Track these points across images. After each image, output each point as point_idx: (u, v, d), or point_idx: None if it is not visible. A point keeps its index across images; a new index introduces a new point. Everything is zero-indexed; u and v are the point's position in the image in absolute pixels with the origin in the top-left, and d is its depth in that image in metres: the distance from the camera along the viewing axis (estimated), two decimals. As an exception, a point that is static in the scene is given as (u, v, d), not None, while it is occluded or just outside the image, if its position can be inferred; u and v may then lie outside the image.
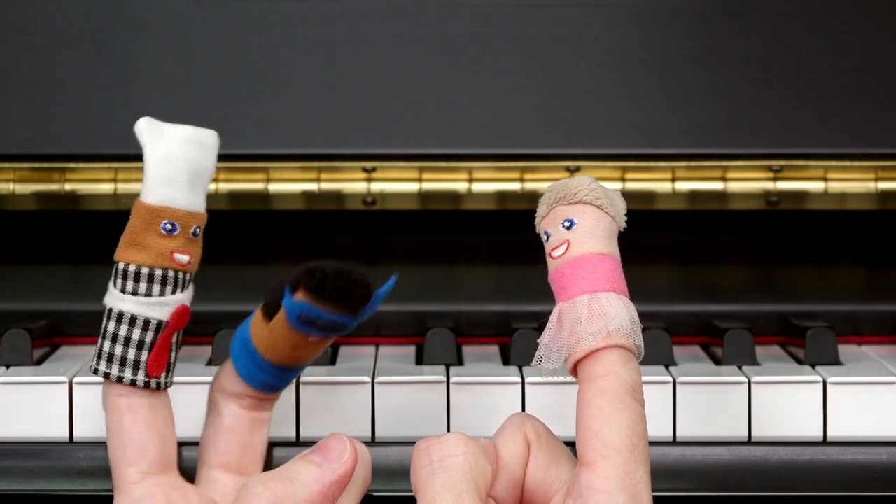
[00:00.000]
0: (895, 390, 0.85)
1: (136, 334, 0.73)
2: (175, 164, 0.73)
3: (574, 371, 0.74)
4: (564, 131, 0.97)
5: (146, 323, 0.73)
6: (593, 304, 0.73)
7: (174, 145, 0.73)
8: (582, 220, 0.75)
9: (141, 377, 0.73)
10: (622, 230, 0.76)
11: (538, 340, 0.75)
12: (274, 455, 0.81)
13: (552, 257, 0.75)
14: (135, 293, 0.73)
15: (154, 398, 0.74)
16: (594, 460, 0.70)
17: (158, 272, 0.73)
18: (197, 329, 0.83)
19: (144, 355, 0.73)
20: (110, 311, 0.74)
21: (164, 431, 0.74)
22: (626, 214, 0.76)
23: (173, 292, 0.73)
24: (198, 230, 0.74)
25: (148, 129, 0.74)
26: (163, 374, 0.74)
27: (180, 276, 0.74)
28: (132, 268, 0.73)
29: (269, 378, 0.76)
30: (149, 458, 0.74)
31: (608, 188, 0.76)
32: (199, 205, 0.74)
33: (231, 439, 0.77)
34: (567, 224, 0.75)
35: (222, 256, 0.78)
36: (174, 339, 0.75)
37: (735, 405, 0.84)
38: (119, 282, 0.73)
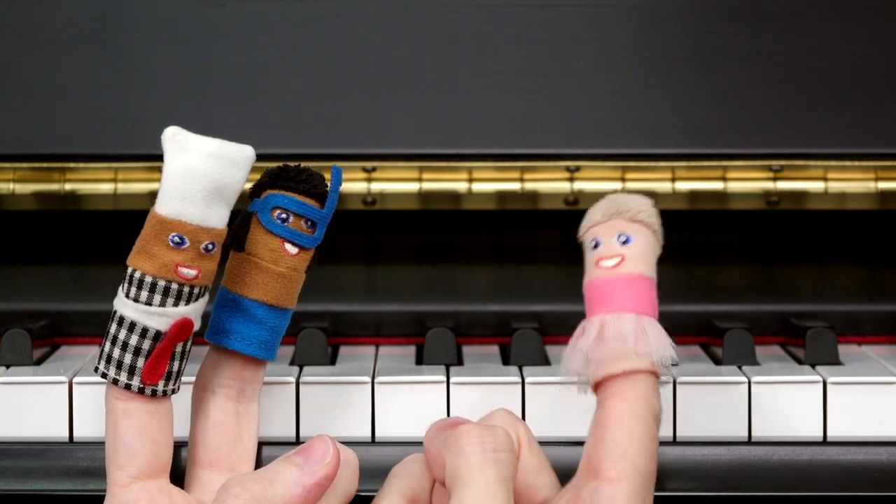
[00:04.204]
0: (895, 390, 0.85)
1: (134, 340, 0.73)
2: (193, 178, 0.71)
3: (596, 384, 0.74)
4: (564, 131, 0.97)
5: (144, 331, 0.73)
6: (640, 325, 0.74)
7: (196, 158, 0.71)
8: (638, 240, 0.76)
9: (136, 383, 0.73)
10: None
11: (572, 344, 0.76)
12: (274, 455, 0.81)
13: (600, 267, 0.76)
14: (136, 300, 0.72)
15: (152, 404, 0.74)
16: (618, 477, 0.72)
17: (161, 283, 0.72)
18: (197, 334, 0.83)
19: (141, 362, 0.73)
20: (114, 312, 0.74)
21: (157, 438, 0.74)
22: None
23: (175, 304, 0.73)
24: (211, 246, 0.73)
25: (171, 139, 0.72)
26: (160, 382, 0.74)
27: (185, 289, 0.73)
28: (137, 274, 0.72)
29: (260, 329, 0.76)
30: (137, 464, 0.73)
31: None
32: (215, 220, 0.72)
33: (219, 436, 0.77)
34: (623, 239, 0.76)
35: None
36: (178, 349, 0.74)
37: (735, 405, 0.84)
38: (125, 285, 0.73)
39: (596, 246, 0.76)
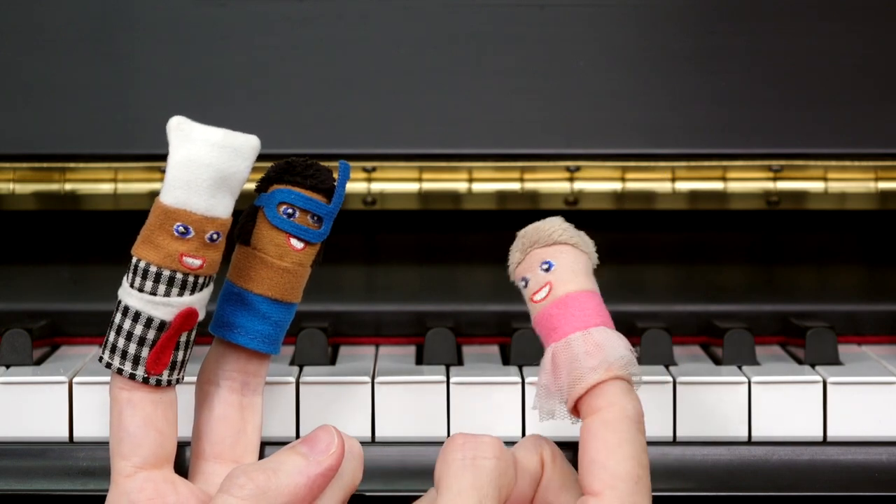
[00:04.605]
0: (895, 390, 0.85)
1: (139, 330, 0.73)
2: (197, 167, 0.71)
3: (575, 410, 0.74)
4: (564, 131, 0.97)
5: (149, 321, 0.73)
6: (588, 340, 0.74)
7: (200, 148, 0.72)
8: (561, 261, 0.76)
9: (140, 372, 0.73)
10: (596, 266, 0.77)
11: (535, 384, 0.76)
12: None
13: (534, 301, 0.76)
14: (141, 289, 0.73)
15: (157, 394, 0.74)
16: (601, 490, 0.71)
17: (166, 272, 0.72)
18: (201, 329, 0.83)
19: (145, 352, 0.73)
20: (119, 302, 0.74)
21: (162, 428, 0.74)
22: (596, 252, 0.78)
23: (180, 294, 0.73)
24: (216, 235, 0.73)
25: (176, 129, 0.72)
26: (164, 372, 0.74)
27: (189, 279, 0.73)
28: (142, 264, 0.73)
29: (264, 323, 0.76)
30: (142, 454, 0.73)
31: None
32: (220, 210, 0.72)
33: (223, 428, 0.77)
34: (546, 266, 0.76)
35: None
36: (183, 339, 0.74)
37: (735, 405, 0.84)
38: (130, 275, 0.73)
39: (526, 284, 0.76)
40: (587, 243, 0.77)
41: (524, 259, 0.77)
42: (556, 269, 0.76)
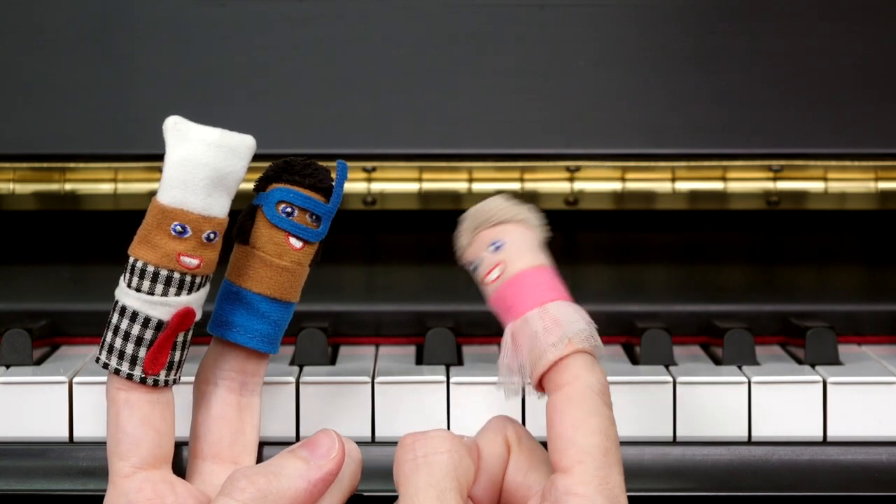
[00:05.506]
0: (895, 390, 0.85)
1: (136, 330, 0.73)
2: (194, 167, 0.72)
3: (539, 386, 0.74)
4: (564, 131, 0.97)
5: (146, 320, 0.73)
6: (545, 316, 0.73)
7: (197, 148, 0.72)
8: (509, 239, 0.76)
9: (138, 373, 0.73)
10: (547, 239, 0.77)
11: (497, 364, 0.76)
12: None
13: (486, 283, 0.76)
14: (138, 289, 0.73)
15: (154, 394, 0.74)
16: (570, 466, 0.71)
17: (163, 272, 0.72)
18: (199, 329, 0.83)
19: (143, 352, 0.73)
20: (116, 302, 0.74)
21: (160, 428, 0.74)
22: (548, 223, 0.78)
23: (177, 294, 0.73)
24: (213, 235, 0.73)
25: (173, 128, 0.72)
26: (162, 372, 0.74)
27: (187, 278, 0.73)
28: (139, 264, 0.73)
29: (263, 323, 0.76)
30: (140, 454, 0.74)
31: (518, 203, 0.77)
32: (217, 209, 0.73)
33: (221, 428, 0.77)
34: (495, 247, 0.76)
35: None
36: (180, 339, 0.74)
37: (735, 405, 0.84)
38: (127, 275, 0.73)
39: (476, 268, 0.77)
40: (533, 218, 0.77)
41: (472, 242, 0.77)
42: (505, 248, 0.76)
